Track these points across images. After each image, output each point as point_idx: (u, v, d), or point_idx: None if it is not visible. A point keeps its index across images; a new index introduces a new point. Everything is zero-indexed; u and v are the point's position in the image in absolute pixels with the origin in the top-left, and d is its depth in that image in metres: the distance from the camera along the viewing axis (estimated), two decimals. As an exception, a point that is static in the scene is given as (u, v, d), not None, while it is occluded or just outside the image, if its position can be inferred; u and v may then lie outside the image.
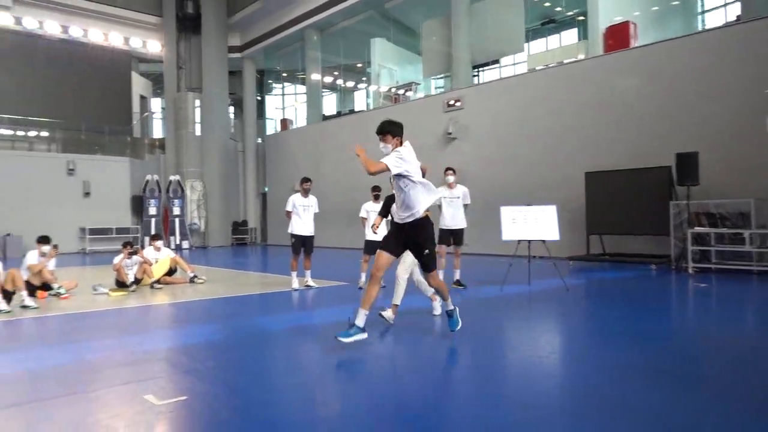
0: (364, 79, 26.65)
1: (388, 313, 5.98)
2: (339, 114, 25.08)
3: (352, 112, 24.71)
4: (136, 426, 3.25)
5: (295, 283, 9.03)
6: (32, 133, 22.70)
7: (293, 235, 8.98)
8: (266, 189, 25.58)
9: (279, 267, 13.33)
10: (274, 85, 30.35)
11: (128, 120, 24.98)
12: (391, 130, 4.89)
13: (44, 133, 22.78)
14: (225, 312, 7.27)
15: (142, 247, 11.05)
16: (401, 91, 20.46)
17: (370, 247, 8.44)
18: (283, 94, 30.46)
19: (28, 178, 19.86)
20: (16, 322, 6.74)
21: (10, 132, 22.13)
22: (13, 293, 7.31)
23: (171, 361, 4.74)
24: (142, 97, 27.63)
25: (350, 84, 28.04)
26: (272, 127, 28.61)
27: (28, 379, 4.38)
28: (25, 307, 7.30)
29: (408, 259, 5.94)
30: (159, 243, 10.20)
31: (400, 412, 3.45)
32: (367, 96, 25.56)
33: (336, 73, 26.37)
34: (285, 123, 26.12)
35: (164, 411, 3.46)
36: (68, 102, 23.08)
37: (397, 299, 6.09)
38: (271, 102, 30.47)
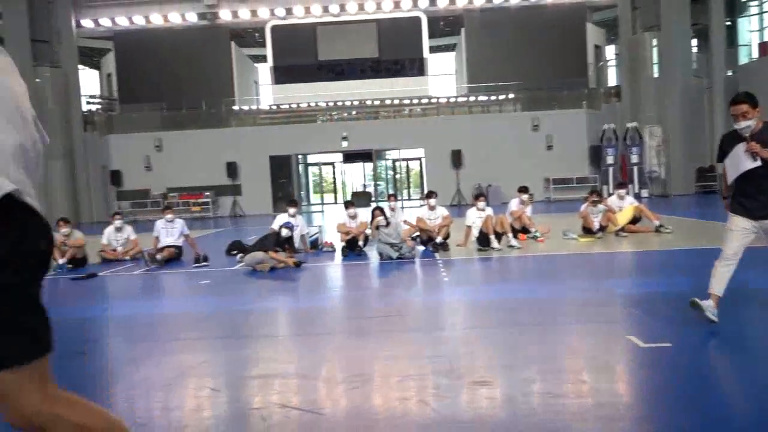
0: None
1: None
2: None
3: None
4: (624, 361, 3.45)
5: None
6: (501, 97, 25.88)
7: None
8: (739, 129, 22.07)
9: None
10: (749, 4, 25.48)
11: (583, 72, 25.51)
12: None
13: (510, 96, 25.64)
14: (692, 264, 6.78)
15: (602, 197, 11.24)
16: None
17: None
18: (761, 13, 25.28)
19: (499, 136, 22.86)
20: (505, 259, 8.00)
21: (484, 98, 25.82)
22: (503, 234, 8.67)
23: (646, 307, 4.76)
24: (596, 47, 27.66)
25: None
26: (746, 55, 24.25)
27: (517, 306, 5.16)
28: (511, 246, 8.57)
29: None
30: (623, 191, 10.21)
31: None
32: None
33: None
34: (765, 47, 21.72)
35: (649, 353, 3.54)
36: (529, 63, 25.23)
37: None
38: (746, 25, 25.72)
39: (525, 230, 9.46)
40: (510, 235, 8.71)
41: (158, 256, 8.72)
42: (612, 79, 28.92)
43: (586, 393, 3.02)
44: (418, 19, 26.28)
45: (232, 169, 23.13)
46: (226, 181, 23.30)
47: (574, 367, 3.45)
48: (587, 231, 9.47)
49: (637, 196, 20.50)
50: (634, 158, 21.53)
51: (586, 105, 24.20)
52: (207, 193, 23.02)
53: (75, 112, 23.35)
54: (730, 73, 22.86)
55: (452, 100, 27.21)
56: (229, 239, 10.24)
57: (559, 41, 25.45)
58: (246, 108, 27.57)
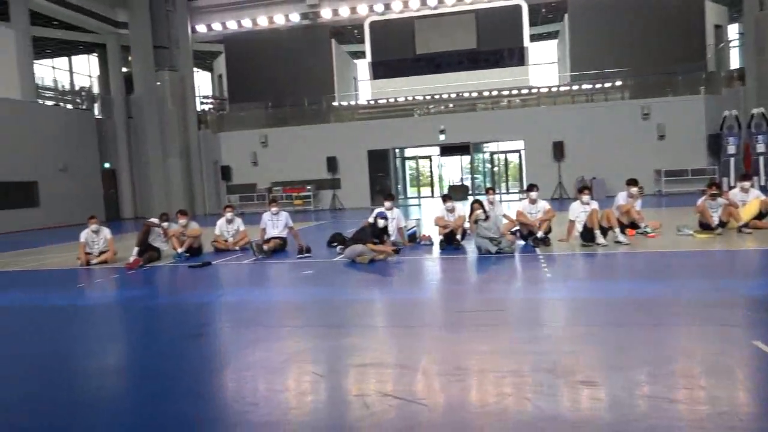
0: None
1: None
2: None
3: None
4: (749, 368, 3.18)
5: None
6: (607, 84, 24.53)
7: None
8: None
9: None
10: None
11: (701, 54, 23.56)
12: None
13: (617, 83, 24.23)
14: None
15: (722, 189, 10.34)
16: None
17: None
18: None
19: (605, 126, 21.71)
20: (611, 255, 7.61)
21: (588, 86, 24.60)
22: (609, 229, 8.25)
23: (775, 310, 4.34)
24: (717, 27, 25.42)
25: None
26: None
27: (625, 305, 4.89)
28: (618, 242, 8.14)
29: None
30: (747, 184, 9.35)
31: None
32: None
33: None
34: None
35: (779, 361, 3.24)
36: (638, 48, 23.69)
37: None
38: None
39: (634, 225, 8.94)
40: (617, 230, 8.26)
41: (265, 247, 9.19)
42: (735, 62, 26.47)
43: (703, 400, 2.82)
44: (518, 8, 25.53)
45: (332, 163, 23.85)
46: (326, 175, 24.06)
47: (689, 371, 3.23)
48: (705, 227, 8.77)
49: (764, 189, 18.71)
50: (760, 147, 19.62)
51: (704, 90, 22.37)
52: (308, 187, 23.91)
53: (191, 112, 25.12)
54: None
55: (554, 89, 26.20)
56: (330, 231, 10.58)
57: (673, 22, 23.66)
58: (345, 104, 28.24)
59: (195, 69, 27.80)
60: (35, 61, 23.62)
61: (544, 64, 30.53)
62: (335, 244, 9.45)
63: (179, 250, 9.35)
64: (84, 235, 9.41)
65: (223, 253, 9.87)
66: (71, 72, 31.61)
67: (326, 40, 27.69)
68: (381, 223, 8.66)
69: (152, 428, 2.85)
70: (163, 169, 23.92)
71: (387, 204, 9.42)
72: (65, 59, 31.45)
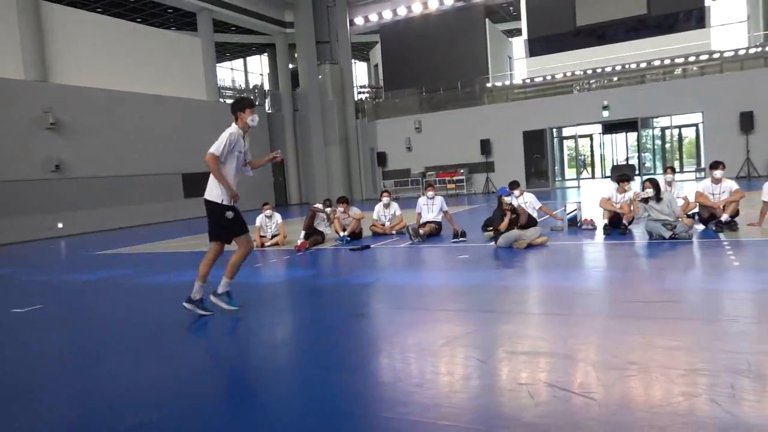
0: None
1: None
2: None
3: None
4: None
5: None
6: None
7: None
8: None
9: None
10: None
11: None
12: None
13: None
14: None
15: None
16: None
17: None
18: None
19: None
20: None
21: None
22: None
23: None
24: None
25: None
26: None
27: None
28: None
29: None
30: None
31: None
32: None
33: None
34: None
35: None
36: None
37: None
38: None
39: None
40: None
41: (421, 231, 9.34)
42: None
43: None
44: (697, -38, 22.75)
45: (485, 146, 23.48)
46: (479, 159, 23.77)
47: None
48: None
49: None
50: None
51: None
52: (461, 171, 23.82)
53: (349, 101, 26.33)
54: None
55: (741, 52, 22.95)
56: (484, 216, 10.43)
57: None
58: (499, 84, 27.55)
59: (353, 60, 29.02)
60: (217, 65, 26.37)
61: (730, 24, 26.88)
62: (490, 228, 9.29)
63: (341, 234, 9.88)
64: (259, 219, 10.34)
65: (381, 237, 10.23)
66: (246, 72, 34.87)
67: (480, 21, 27.18)
68: (507, 200, 8.13)
69: (327, 400, 3.05)
70: (325, 157, 25.45)
71: (515, 192, 9.05)
72: (241, 61, 34.76)
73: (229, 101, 27.36)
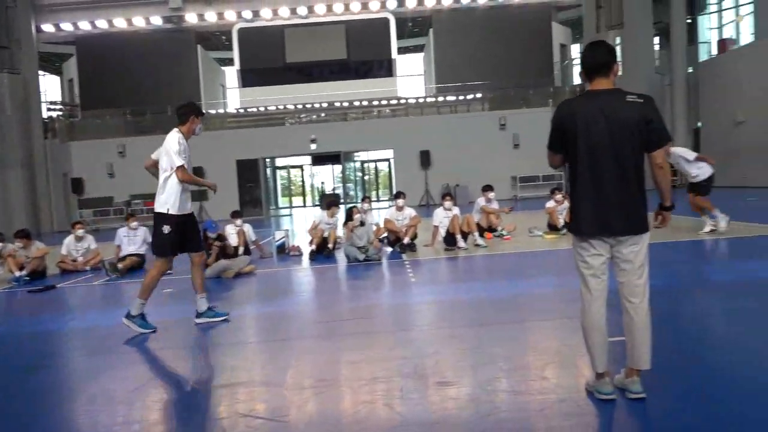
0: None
1: None
2: (800, 20, 19.91)
3: (820, 13, 19.23)
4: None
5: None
6: (469, 96, 26.08)
7: None
8: (699, 124, 22.68)
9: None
10: (708, 1, 26.22)
11: (549, 71, 25.88)
12: None
13: (478, 95, 25.85)
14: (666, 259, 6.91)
15: (565, 194, 11.39)
16: None
17: None
18: (720, 10, 26.03)
19: (467, 136, 22.97)
20: (471, 258, 8.03)
21: (452, 98, 25.99)
22: (469, 234, 8.70)
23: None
24: (562, 46, 28.10)
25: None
26: (706, 52, 24.94)
27: (483, 305, 5.19)
28: (477, 245, 8.62)
29: None
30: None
31: None
32: None
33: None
34: (724, 44, 22.36)
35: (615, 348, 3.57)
36: (496, 63, 25.51)
37: None
38: (705, 23, 26.44)
39: (491, 229, 9.53)
40: (476, 234, 8.76)
41: (119, 266, 8.51)
42: (578, 78, 29.43)
43: (547, 390, 3.04)
44: (386, 20, 26.32)
45: (197, 174, 22.63)
46: (192, 187, 22.90)
47: (538, 363, 3.47)
48: (553, 228, 9.59)
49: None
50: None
51: (552, 103, 24.53)
52: (173, 199, 22.58)
53: (35, 119, 22.64)
54: (690, 70, 23.48)
55: (421, 100, 27.31)
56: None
57: (526, 41, 25.81)
58: (213, 112, 27.20)
59: (41, 72, 25.20)
60: None
61: (412, 75, 31.75)
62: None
63: (18, 274, 8.35)
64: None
65: (71, 274, 8.98)
66: None
67: (192, 46, 26.53)
68: (212, 235, 8.23)
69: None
70: (1, 181, 21.31)
71: (237, 221, 9.21)
72: None
73: None
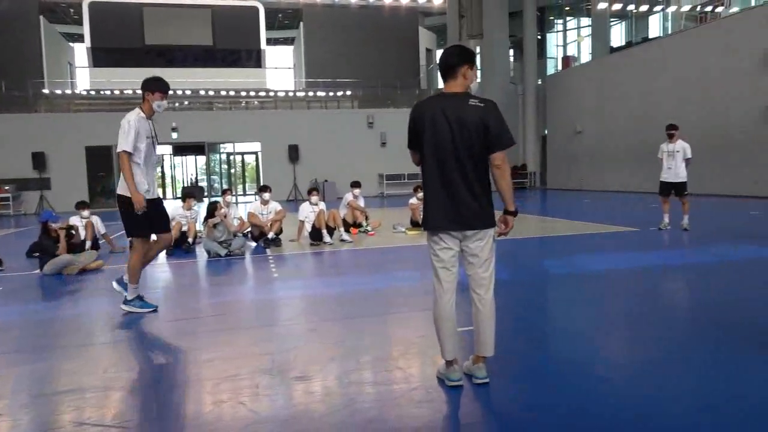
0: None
1: None
2: (629, 44, 22.69)
3: (645, 40, 22.05)
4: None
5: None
6: (339, 93, 26.28)
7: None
8: (546, 132, 24.94)
9: (565, 212, 13.00)
10: (555, 21, 28.91)
11: (416, 73, 26.88)
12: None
13: (348, 93, 26.14)
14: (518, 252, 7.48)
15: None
16: (709, 8, 17.40)
17: (664, 188, 8.60)
18: (564, 30, 28.83)
19: (337, 132, 23.16)
20: (336, 253, 8.10)
21: (322, 94, 26.02)
22: (334, 229, 8.76)
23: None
24: (428, 50, 29.33)
25: (644, 8, 24.95)
26: (553, 66, 27.48)
27: (346, 299, 5.26)
28: (342, 240, 8.70)
29: None
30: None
31: None
32: (664, 20, 22.45)
33: (626, -3, 23.74)
34: (567, 61, 24.81)
35: (464, 337, 3.79)
36: (366, 62, 25.97)
37: None
38: (553, 40, 29.15)
39: (357, 225, 9.69)
40: (341, 229, 8.85)
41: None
42: (441, 82, 30.95)
43: (399, 379, 3.15)
44: (255, 9, 25.62)
45: (39, 160, 20.47)
46: (31, 174, 20.57)
47: (395, 354, 3.58)
48: (415, 224, 9.97)
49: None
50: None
51: (417, 105, 25.51)
52: (7, 188, 20.12)
53: None
54: (540, 82, 25.69)
55: (290, 94, 26.96)
56: (33, 239, 9.02)
57: (395, 43, 26.58)
58: (59, 92, 24.63)
59: None
60: None
61: (281, 68, 31.22)
62: (38, 254, 8.08)
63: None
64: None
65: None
66: None
67: (34, 16, 23.78)
68: (55, 225, 7.46)
69: None
70: None
71: (84, 213, 8.43)
72: None
73: None
